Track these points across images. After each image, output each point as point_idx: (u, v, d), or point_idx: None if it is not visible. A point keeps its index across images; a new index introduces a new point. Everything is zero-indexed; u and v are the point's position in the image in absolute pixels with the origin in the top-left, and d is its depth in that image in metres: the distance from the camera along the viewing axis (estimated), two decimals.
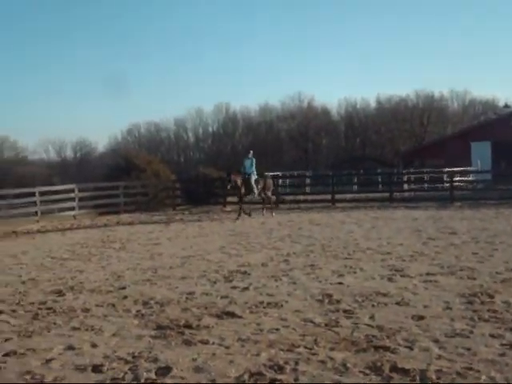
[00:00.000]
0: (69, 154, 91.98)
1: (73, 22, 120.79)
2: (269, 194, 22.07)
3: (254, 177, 21.26)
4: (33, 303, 8.03)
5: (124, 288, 8.79)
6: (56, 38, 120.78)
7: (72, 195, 23.48)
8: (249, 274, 9.55)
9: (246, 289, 8.39)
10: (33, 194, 22.25)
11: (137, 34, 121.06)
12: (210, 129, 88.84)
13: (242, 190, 20.98)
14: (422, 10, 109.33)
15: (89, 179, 41.45)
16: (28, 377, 5.08)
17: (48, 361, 5.48)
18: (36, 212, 21.84)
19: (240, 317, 6.82)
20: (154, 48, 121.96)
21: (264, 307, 7.25)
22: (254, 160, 21.63)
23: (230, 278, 9.31)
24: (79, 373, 5.13)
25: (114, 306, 7.66)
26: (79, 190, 23.91)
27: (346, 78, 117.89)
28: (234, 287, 8.55)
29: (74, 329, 6.62)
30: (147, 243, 14.33)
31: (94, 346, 5.91)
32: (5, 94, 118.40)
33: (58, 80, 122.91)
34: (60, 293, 8.65)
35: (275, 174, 35.92)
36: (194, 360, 5.31)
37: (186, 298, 7.91)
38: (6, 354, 5.72)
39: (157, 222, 20.40)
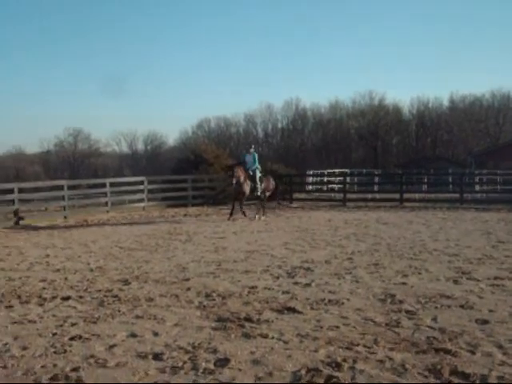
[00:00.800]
0: (140, 146, 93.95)
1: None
2: (267, 194, 20.14)
3: (258, 174, 19.38)
4: (99, 290, 8.27)
5: (188, 280, 8.94)
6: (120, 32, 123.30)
7: (141, 187, 23.95)
8: (312, 271, 9.53)
9: (308, 285, 8.38)
10: (104, 185, 22.84)
11: (206, 32, 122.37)
12: (280, 124, 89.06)
13: (246, 188, 18.92)
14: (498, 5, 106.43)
15: (158, 172, 42.20)
16: (92, 360, 5.24)
17: (111, 346, 5.64)
18: (106, 202, 22.41)
19: (300, 312, 6.83)
20: (226, 45, 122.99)
21: (325, 304, 7.23)
22: (257, 155, 19.64)
23: (293, 273, 9.32)
24: (140, 359, 5.26)
25: (177, 296, 7.80)
26: (149, 182, 24.38)
27: (419, 76, 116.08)
28: (296, 283, 8.56)
29: (138, 317, 6.78)
30: (212, 236, 14.50)
31: (155, 334, 6.05)
32: (79, 89, 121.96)
33: (131, 75, 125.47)
34: (126, 282, 8.87)
35: (343, 171, 35.72)
36: (253, 353, 5.36)
37: (248, 292, 7.97)
38: (72, 338, 5.93)
39: (224, 216, 20.57)
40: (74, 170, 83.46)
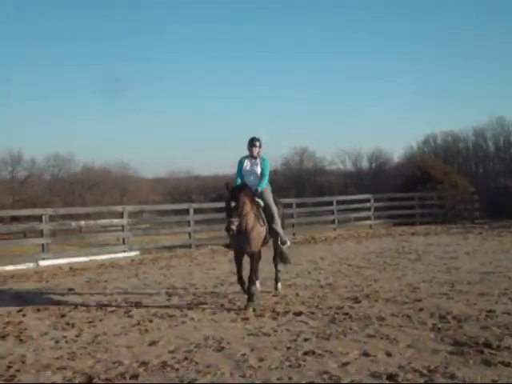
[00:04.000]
0: (364, 164, 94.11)
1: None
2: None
3: (271, 200, 9.37)
4: (330, 307, 8.35)
5: (420, 300, 8.68)
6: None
7: (368, 205, 23.92)
8: None
9: None
10: (330, 203, 23.19)
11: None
12: None
13: (256, 238, 8.77)
14: None
15: (382, 189, 41.87)
16: (325, 377, 5.30)
17: (344, 364, 5.65)
18: (333, 220, 22.72)
19: None
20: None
21: None
22: (267, 161, 9.56)
23: None
24: (374, 379, 5.19)
25: (409, 317, 7.61)
26: (375, 200, 24.28)
27: None
28: None
29: (369, 336, 6.72)
30: (443, 256, 13.96)
31: (388, 354, 5.94)
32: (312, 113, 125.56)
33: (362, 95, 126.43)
34: (356, 299, 8.86)
35: None
36: (494, 382, 5.02)
37: (486, 316, 7.52)
38: (306, 353, 6.05)
39: (454, 235, 19.76)
40: (300, 188, 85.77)
